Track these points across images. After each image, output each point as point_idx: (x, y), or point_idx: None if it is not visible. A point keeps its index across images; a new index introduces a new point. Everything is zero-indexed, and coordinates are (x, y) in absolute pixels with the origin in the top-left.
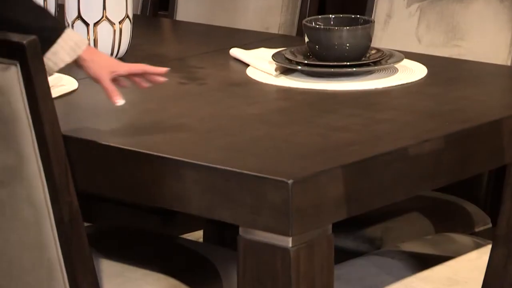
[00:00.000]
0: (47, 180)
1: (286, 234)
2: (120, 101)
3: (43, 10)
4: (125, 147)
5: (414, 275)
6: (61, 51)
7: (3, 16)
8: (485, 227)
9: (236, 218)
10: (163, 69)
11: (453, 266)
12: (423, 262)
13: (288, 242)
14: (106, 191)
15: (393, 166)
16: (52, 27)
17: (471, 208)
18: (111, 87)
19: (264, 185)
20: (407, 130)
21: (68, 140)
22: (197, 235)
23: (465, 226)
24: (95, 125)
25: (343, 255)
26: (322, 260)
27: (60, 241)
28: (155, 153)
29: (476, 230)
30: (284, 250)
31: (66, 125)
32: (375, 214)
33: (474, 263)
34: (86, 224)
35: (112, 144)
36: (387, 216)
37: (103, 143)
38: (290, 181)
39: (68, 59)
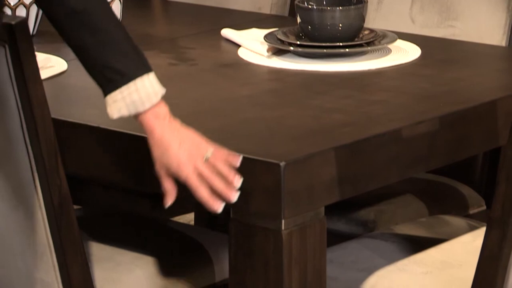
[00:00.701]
0: (36, 163)
1: (278, 217)
2: (168, 204)
3: (127, 47)
4: (115, 129)
5: (407, 257)
6: (120, 102)
7: (83, 41)
8: (480, 209)
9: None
10: (232, 196)
11: (447, 249)
12: (417, 244)
13: (280, 225)
14: (96, 174)
15: (386, 148)
16: (121, 71)
17: (466, 190)
18: (167, 186)
19: (256, 167)
20: (400, 111)
21: (57, 123)
22: (188, 218)
23: (459, 208)
24: (85, 107)
25: (335, 238)
26: (314, 243)
27: (50, 225)
28: (145, 135)
29: (471, 212)
30: (276, 233)
31: (56, 107)
32: (368, 196)
33: (468, 245)
34: (75, 207)
35: (102, 126)
36: (381, 199)
37: (93, 125)
38: (282, 164)
39: (125, 112)
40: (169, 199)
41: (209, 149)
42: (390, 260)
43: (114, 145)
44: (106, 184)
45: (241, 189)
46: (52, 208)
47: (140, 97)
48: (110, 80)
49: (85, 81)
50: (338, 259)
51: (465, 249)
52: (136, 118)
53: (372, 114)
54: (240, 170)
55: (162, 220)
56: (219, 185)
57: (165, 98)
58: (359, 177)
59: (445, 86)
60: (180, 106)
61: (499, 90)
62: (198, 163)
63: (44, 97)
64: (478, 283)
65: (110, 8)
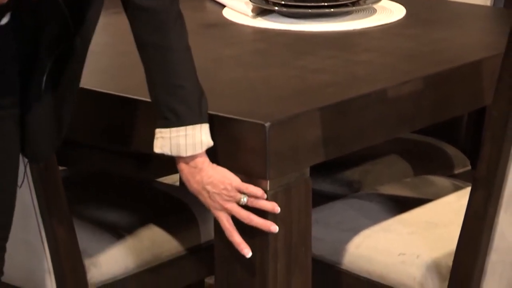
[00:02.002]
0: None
1: (263, 177)
2: (248, 253)
3: (192, 93)
4: (99, 90)
5: (392, 218)
6: (166, 140)
7: (154, 75)
8: (465, 169)
9: (212, 161)
10: (272, 227)
11: (432, 209)
12: (402, 205)
13: (265, 185)
14: (80, 135)
15: (371, 108)
16: (178, 113)
17: (451, 150)
18: (236, 239)
19: (241, 128)
20: (385, 71)
21: None
22: (174, 179)
23: (445, 168)
24: None
25: (321, 199)
26: (299, 204)
27: (35, 186)
28: (129, 96)
29: (456, 172)
30: None
31: None
32: (353, 157)
33: (453, 205)
34: (61, 168)
35: (86, 87)
36: (366, 159)
37: None
38: (267, 124)
39: (167, 151)
40: (246, 248)
41: (243, 196)
42: (375, 220)
43: (98, 106)
44: (91, 145)
45: (226, 150)
46: (37, 169)
47: (186, 143)
48: (165, 117)
49: None
50: (323, 220)
51: (450, 209)
52: (176, 159)
53: (357, 74)
54: (225, 131)
55: (148, 180)
56: (258, 221)
57: None
58: (344, 138)
59: (430, 46)
60: None
61: (484, 50)
62: (229, 206)
63: None
64: (463, 243)
65: (189, 50)
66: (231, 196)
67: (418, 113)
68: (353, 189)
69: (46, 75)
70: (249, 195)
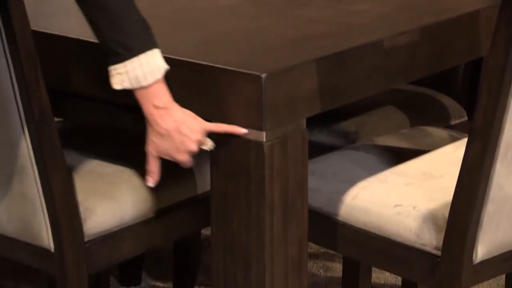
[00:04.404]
0: (16, 76)
1: (259, 128)
2: (150, 184)
3: (135, 22)
4: (94, 41)
5: (389, 169)
6: (124, 75)
7: (93, 16)
8: (461, 120)
9: (208, 113)
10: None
11: (428, 160)
12: (398, 156)
13: (261, 137)
14: (77, 86)
15: (367, 59)
16: (128, 45)
17: (447, 101)
18: (154, 167)
19: (236, 79)
20: (382, 22)
21: (37, 35)
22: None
23: (441, 119)
24: (64, 19)
25: (317, 150)
26: (296, 155)
27: (31, 137)
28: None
29: (452, 123)
30: (258, 145)
31: (35, 20)
32: (350, 108)
33: (450, 156)
34: (57, 119)
35: (81, 38)
36: (362, 110)
37: (72, 37)
38: (263, 75)
39: (127, 85)
40: (153, 181)
41: (210, 142)
42: (372, 171)
43: (94, 57)
44: (88, 97)
45: (221, 101)
46: (33, 121)
47: (144, 72)
48: (115, 53)
49: None
50: (319, 171)
51: (446, 160)
52: (135, 94)
53: (353, 25)
54: (221, 82)
55: (144, 133)
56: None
57: (144, 8)
58: (341, 89)
59: None
60: (160, 17)
61: (481, 1)
62: (193, 147)
63: (23, 9)
64: (459, 194)
65: None
66: (199, 140)
67: (414, 64)
68: (349, 140)
69: None
70: (227, 132)
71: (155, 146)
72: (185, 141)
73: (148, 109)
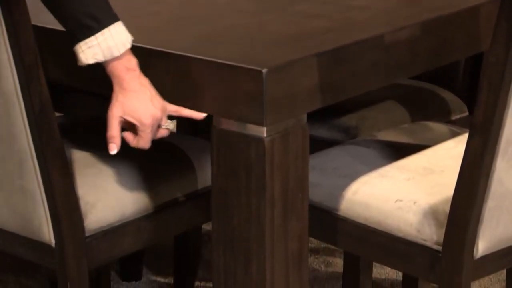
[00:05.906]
0: (17, 70)
1: (260, 123)
2: (113, 151)
3: None
4: None
5: (389, 164)
6: (96, 48)
7: None
8: (462, 115)
9: (209, 108)
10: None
11: (429, 155)
12: (399, 151)
13: (262, 132)
14: (77, 81)
15: (368, 54)
16: (97, 17)
17: (448, 96)
18: (115, 132)
19: (237, 74)
20: (383, 17)
21: (38, 30)
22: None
23: (442, 114)
24: None
25: (318, 145)
26: (296, 150)
27: (31, 132)
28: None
29: (453, 118)
30: (259, 140)
31: (36, 14)
32: (351, 103)
33: (451, 151)
34: (57, 114)
35: None
36: (363, 105)
37: None
38: (264, 70)
39: (101, 57)
40: (116, 146)
41: (170, 123)
42: (372, 166)
43: None
44: (88, 91)
45: (222, 96)
46: (33, 115)
47: (115, 43)
48: (85, 26)
49: None
50: (320, 166)
51: (447, 155)
52: (106, 67)
53: (354, 20)
54: (222, 77)
55: None
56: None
57: (145, 4)
58: (341, 84)
59: None
60: (160, 13)
61: None
62: (158, 113)
63: (25, 4)
64: (460, 189)
65: None
66: (162, 111)
67: (415, 59)
68: (350, 135)
69: None
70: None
71: (122, 106)
72: (153, 101)
73: (120, 75)
